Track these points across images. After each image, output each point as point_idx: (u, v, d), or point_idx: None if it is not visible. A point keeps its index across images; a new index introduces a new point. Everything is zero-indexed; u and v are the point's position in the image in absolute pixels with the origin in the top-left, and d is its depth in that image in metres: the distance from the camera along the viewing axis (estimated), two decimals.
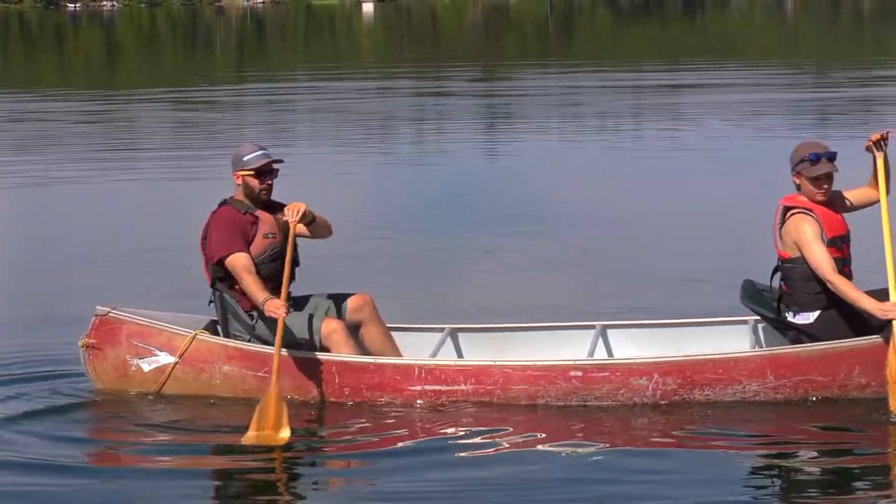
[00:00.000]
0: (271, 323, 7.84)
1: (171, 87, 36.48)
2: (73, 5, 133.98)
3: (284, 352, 7.81)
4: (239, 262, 7.84)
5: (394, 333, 8.27)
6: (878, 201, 7.82)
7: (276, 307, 7.57)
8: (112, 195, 16.88)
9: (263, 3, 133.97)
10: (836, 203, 7.89)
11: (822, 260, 7.62)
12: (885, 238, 7.58)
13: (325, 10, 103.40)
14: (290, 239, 7.86)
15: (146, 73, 46.24)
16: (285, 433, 7.26)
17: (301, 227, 7.97)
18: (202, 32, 72.72)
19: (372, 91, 34.05)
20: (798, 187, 7.85)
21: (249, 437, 7.28)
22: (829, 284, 7.63)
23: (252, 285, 7.76)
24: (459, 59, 47.88)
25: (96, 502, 6.67)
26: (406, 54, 53.02)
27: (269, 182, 8.06)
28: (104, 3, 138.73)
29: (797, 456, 7.11)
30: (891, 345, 7.41)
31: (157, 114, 29.03)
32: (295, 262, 8.10)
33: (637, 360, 7.79)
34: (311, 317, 7.97)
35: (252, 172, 8.01)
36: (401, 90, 33.96)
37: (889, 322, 7.45)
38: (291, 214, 7.82)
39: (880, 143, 7.73)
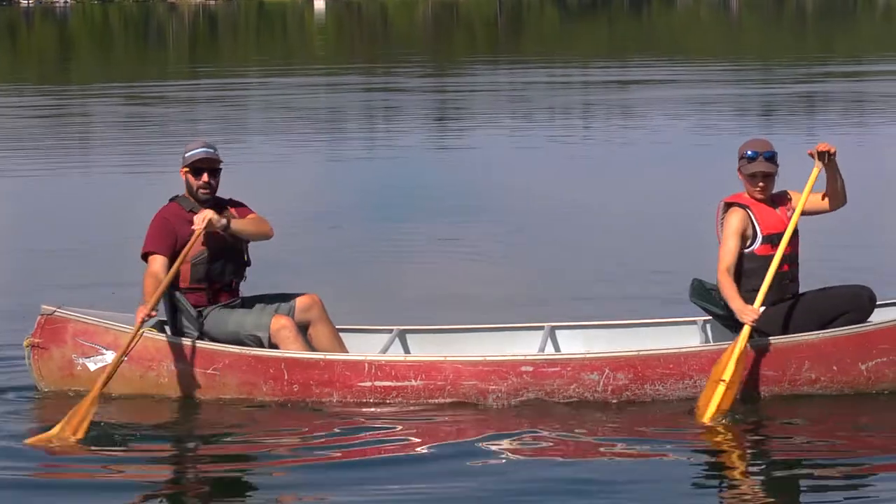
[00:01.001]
0: (221, 321, 7.74)
1: (124, 83, 36.21)
2: (26, 2, 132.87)
3: (234, 349, 7.66)
4: (153, 264, 7.71)
5: (342, 335, 8.10)
6: (828, 210, 7.80)
7: (141, 312, 7.41)
8: (61, 190, 16.62)
9: (216, 0, 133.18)
10: (780, 202, 7.80)
11: (725, 254, 7.61)
12: (782, 243, 7.55)
13: (277, 8, 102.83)
14: (189, 244, 7.60)
15: (99, 68, 45.82)
16: (74, 439, 7.05)
17: (240, 231, 7.79)
18: (155, 29, 72.14)
19: (322, 87, 33.85)
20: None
21: (47, 434, 7.06)
22: (717, 275, 7.58)
23: (148, 288, 7.58)
24: (410, 55, 47.73)
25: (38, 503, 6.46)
26: (357, 51, 52.75)
27: (207, 180, 7.85)
28: (57, 0, 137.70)
29: (745, 450, 7.01)
30: (731, 346, 7.35)
31: (110, 108, 28.78)
32: (246, 263, 7.95)
33: (588, 356, 7.65)
34: (259, 314, 7.80)
35: (189, 169, 7.85)
36: (351, 86, 33.77)
37: (853, 315, 7.49)
38: (197, 223, 7.62)
39: (824, 155, 7.63)
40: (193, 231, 7.59)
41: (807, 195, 7.68)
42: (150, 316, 7.46)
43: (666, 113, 24.78)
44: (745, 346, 7.35)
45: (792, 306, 7.71)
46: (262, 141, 21.73)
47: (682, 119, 23.74)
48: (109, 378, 7.36)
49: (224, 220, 7.68)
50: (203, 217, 7.58)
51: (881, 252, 11.15)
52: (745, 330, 7.37)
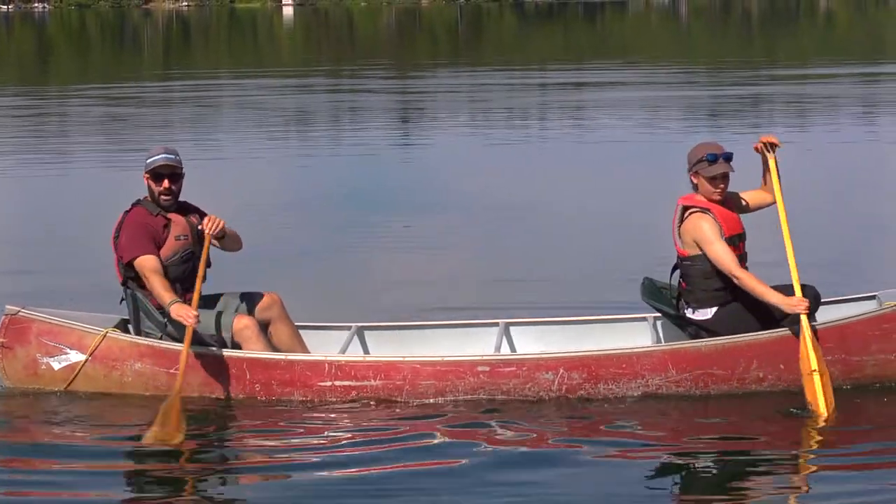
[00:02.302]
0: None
1: (100, 84, 35.95)
2: (5, 7, 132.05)
3: (196, 349, 7.44)
4: (147, 263, 7.44)
5: (302, 332, 7.92)
6: (773, 204, 7.63)
7: (185, 314, 7.20)
8: (36, 188, 16.26)
9: (188, 5, 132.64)
10: (731, 203, 7.66)
11: (725, 256, 7.40)
12: (785, 237, 7.40)
13: (247, 13, 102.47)
14: (206, 247, 7.51)
15: (76, 70, 45.38)
16: (181, 436, 6.88)
17: (229, 239, 7.69)
18: (130, 33, 71.63)
19: (291, 88, 33.67)
20: (695, 187, 7.60)
21: (148, 437, 6.89)
22: (734, 279, 7.40)
23: (159, 287, 7.36)
24: (374, 59, 47.51)
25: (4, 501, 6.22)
26: (324, 54, 52.48)
27: (168, 186, 7.61)
28: (36, 4, 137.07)
29: (697, 448, 6.82)
30: (802, 338, 7.19)
31: (87, 109, 28.48)
32: (207, 263, 7.70)
33: (543, 356, 7.47)
34: (221, 314, 7.59)
35: (150, 175, 7.62)
36: (318, 87, 33.59)
37: (797, 316, 7.26)
38: (209, 227, 7.47)
39: (770, 146, 7.52)
40: (207, 234, 7.45)
41: (778, 186, 7.53)
42: (196, 317, 7.23)
43: (618, 113, 24.73)
44: (811, 333, 7.15)
45: (741, 306, 7.54)
46: (233, 139, 21.53)
47: (634, 119, 23.67)
48: (183, 375, 7.18)
49: (224, 230, 7.57)
50: (217, 224, 7.44)
51: (824, 251, 11.03)
52: (803, 318, 7.19)
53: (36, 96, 32.54)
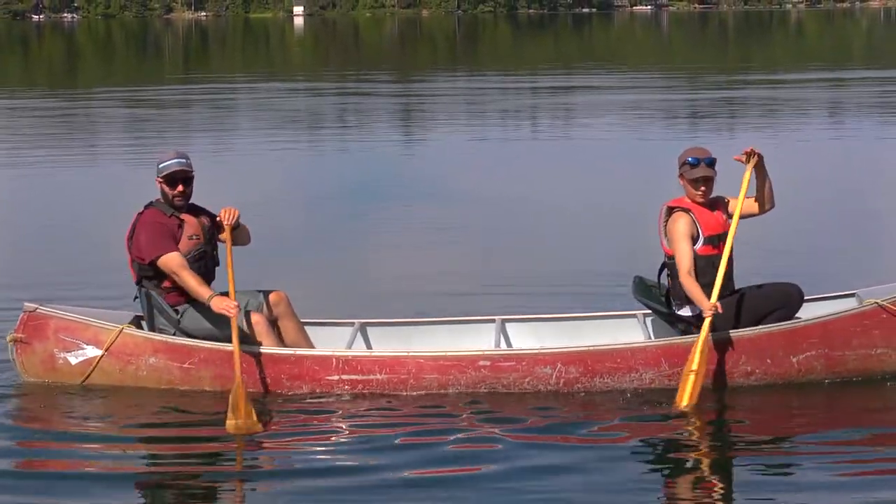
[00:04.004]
0: (197, 317, 7.23)
1: (124, 87, 35.72)
2: (37, 17, 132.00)
3: (209, 344, 7.16)
4: (174, 261, 7.15)
5: (307, 328, 7.63)
6: (759, 213, 7.45)
7: (228, 306, 6.94)
8: (62, 186, 15.94)
9: (207, 15, 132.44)
10: (717, 205, 7.42)
11: (682, 257, 7.22)
12: (727, 245, 7.19)
13: (261, 23, 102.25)
14: (228, 240, 7.22)
15: (102, 74, 45.18)
16: (258, 424, 6.62)
17: (241, 232, 7.40)
18: (152, 41, 71.39)
19: (301, 91, 33.46)
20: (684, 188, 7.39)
21: (230, 426, 6.59)
22: (679, 278, 7.19)
23: (193, 283, 7.08)
24: (378, 64, 47.25)
25: (25, 491, 5.92)
26: (332, 60, 52.21)
27: (181, 189, 7.32)
28: (65, 15, 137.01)
29: (688, 438, 6.56)
30: (697, 339, 6.96)
31: (112, 110, 28.24)
32: (215, 262, 7.45)
33: (542, 351, 7.19)
34: None
35: (163, 179, 7.33)
36: (326, 90, 33.35)
37: (783, 314, 7.18)
38: (226, 218, 7.20)
39: (751, 156, 7.25)
40: (227, 225, 7.20)
41: (742, 197, 7.28)
42: (238, 307, 6.97)
43: (605, 115, 24.59)
44: (707, 337, 6.95)
45: (729, 303, 7.29)
46: (246, 138, 21.31)
47: (619, 120, 23.51)
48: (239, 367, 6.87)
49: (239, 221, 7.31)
50: (233, 214, 7.18)
51: (805, 251, 10.80)
52: (706, 322, 6.98)
53: (65, 98, 32.36)
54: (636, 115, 24.57)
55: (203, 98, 31.43)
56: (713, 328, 7.10)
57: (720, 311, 6.99)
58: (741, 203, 7.25)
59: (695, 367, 6.85)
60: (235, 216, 7.22)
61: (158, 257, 7.15)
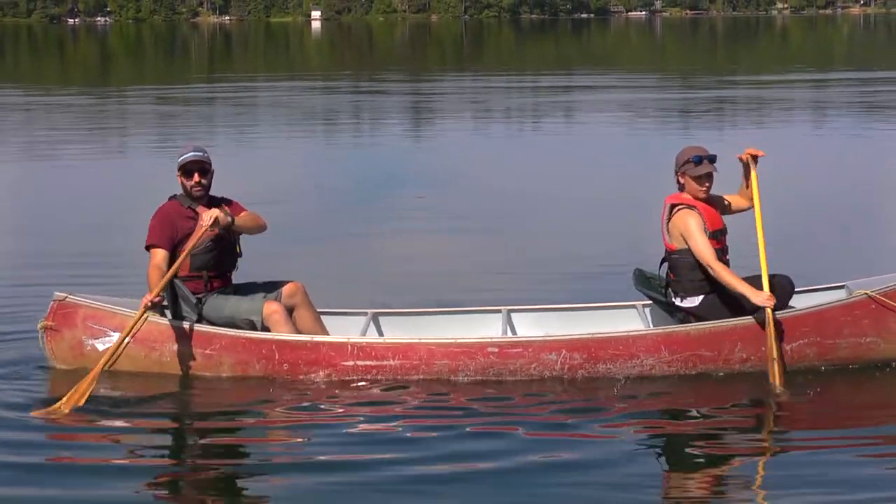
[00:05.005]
0: (218, 306, 7.10)
1: (153, 86, 35.57)
2: (72, 20, 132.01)
3: (230, 332, 7.00)
4: (155, 256, 7.03)
5: (322, 317, 7.46)
6: (749, 209, 7.33)
7: (144, 300, 6.76)
8: (94, 179, 15.75)
9: (230, 20, 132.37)
10: (714, 202, 7.31)
11: (705, 250, 7.05)
12: (759, 239, 7.08)
13: (281, 26, 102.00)
14: (191, 240, 6.95)
15: (133, 74, 45.06)
16: (72, 406, 6.39)
17: (241, 227, 7.15)
18: (179, 43, 71.19)
19: (318, 90, 33.31)
20: (681, 186, 7.25)
21: (50, 409, 6.39)
22: (710, 270, 7.05)
23: (153, 279, 6.91)
24: (390, 65, 47.05)
25: (53, 473, 5.74)
26: (347, 61, 52.00)
27: (198, 180, 7.15)
28: (98, 18, 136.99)
29: (684, 422, 6.39)
30: (767, 328, 6.85)
31: (142, 107, 28.09)
32: (238, 254, 7.30)
33: (547, 338, 7.02)
34: (252, 300, 7.15)
35: (181, 171, 7.17)
36: (342, 89, 33.20)
37: (763, 308, 6.95)
38: (204, 220, 6.95)
39: (754, 158, 7.20)
40: (200, 226, 6.92)
41: (757, 195, 7.22)
42: (153, 303, 6.79)
43: (603, 112, 24.43)
44: (773, 324, 6.84)
45: (725, 295, 7.13)
46: (267, 133, 21.11)
47: (617, 117, 23.35)
48: (112, 358, 6.71)
49: (228, 219, 7.03)
50: (210, 215, 6.91)
51: (795, 245, 10.63)
52: (768, 312, 6.87)
53: (98, 96, 32.24)
54: (632, 113, 24.45)
55: (226, 96, 31.31)
56: (707, 318, 6.99)
57: (774, 301, 6.89)
58: (757, 197, 7.18)
59: (775, 355, 6.77)
60: (212, 217, 6.91)
61: (150, 246, 7.04)
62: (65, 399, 6.44)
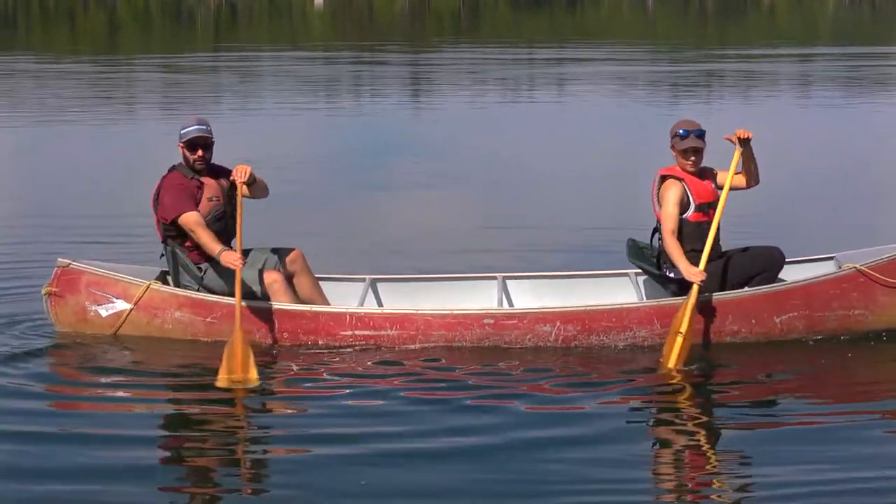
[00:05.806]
0: (218, 274, 6.91)
1: (160, 55, 35.26)
2: None
3: (229, 300, 6.81)
4: (191, 219, 6.83)
5: (321, 283, 7.30)
6: (745, 188, 7.16)
7: (233, 258, 6.62)
8: (95, 148, 15.50)
9: None
10: (707, 175, 7.13)
11: (668, 220, 6.93)
12: (715, 220, 6.89)
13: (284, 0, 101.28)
14: (239, 196, 6.83)
15: (141, 44, 44.68)
16: (254, 375, 6.21)
17: (244, 188, 6.95)
18: (186, 14, 70.61)
19: (320, 60, 33.01)
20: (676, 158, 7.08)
21: (222, 380, 6.19)
22: (662, 238, 6.93)
23: (206, 238, 6.77)
24: (391, 38, 46.68)
25: (58, 436, 5.61)
26: (348, 34, 51.58)
27: (200, 154, 6.98)
28: None
29: (675, 396, 6.22)
30: (686, 303, 6.63)
31: (150, 76, 27.83)
32: (235, 222, 7.02)
33: (542, 310, 6.87)
34: (253, 269, 6.96)
35: (185, 145, 6.98)
36: (343, 60, 32.92)
37: (768, 277, 6.90)
38: (240, 175, 6.78)
39: (745, 141, 6.97)
40: (239, 182, 6.75)
41: (732, 174, 7.00)
42: (242, 260, 6.63)
43: (597, 84, 24.20)
44: (695, 302, 6.63)
45: (717, 266, 6.98)
46: (269, 101, 20.86)
47: (610, 89, 23.11)
48: (235, 322, 6.48)
49: (254, 175, 6.86)
50: (245, 171, 6.74)
51: (785, 216, 10.47)
52: (695, 288, 6.68)
53: (108, 65, 31.95)
54: (625, 84, 24.24)
55: (231, 65, 31.01)
56: (702, 290, 6.80)
57: (703, 278, 6.69)
58: (730, 179, 6.96)
59: (682, 329, 6.52)
60: (248, 173, 6.78)
61: (179, 216, 6.84)
62: (239, 369, 6.18)
